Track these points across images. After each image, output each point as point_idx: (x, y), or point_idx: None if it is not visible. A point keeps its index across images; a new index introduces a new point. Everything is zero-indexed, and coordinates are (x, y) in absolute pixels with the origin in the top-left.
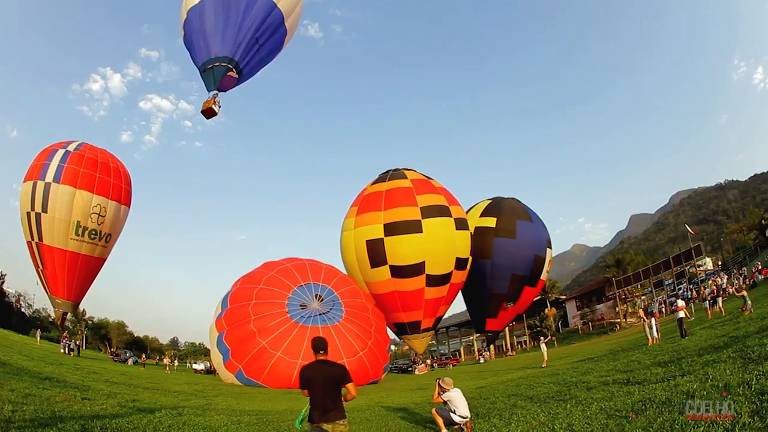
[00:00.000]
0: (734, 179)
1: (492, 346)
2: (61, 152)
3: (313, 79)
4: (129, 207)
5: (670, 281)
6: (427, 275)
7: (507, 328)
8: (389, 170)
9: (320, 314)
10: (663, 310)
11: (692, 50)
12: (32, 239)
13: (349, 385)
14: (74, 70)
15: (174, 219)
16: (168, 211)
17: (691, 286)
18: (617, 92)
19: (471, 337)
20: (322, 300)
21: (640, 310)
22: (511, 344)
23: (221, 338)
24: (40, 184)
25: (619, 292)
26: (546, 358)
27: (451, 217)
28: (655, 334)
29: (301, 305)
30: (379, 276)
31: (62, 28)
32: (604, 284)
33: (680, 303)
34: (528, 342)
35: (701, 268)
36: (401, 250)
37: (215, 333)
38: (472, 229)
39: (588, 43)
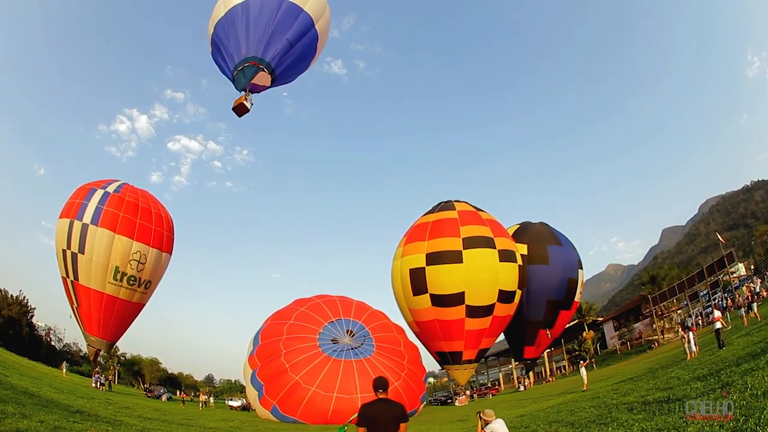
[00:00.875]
0: (760, 179)
1: (531, 373)
2: (99, 193)
3: (340, 115)
4: (171, 254)
5: (705, 292)
6: (467, 306)
7: (545, 354)
8: (441, 202)
9: (352, 348)
10: (700, 322)
11: (704, 54)
12: (67, 276)
13: (404, 425)
14: (100, 111)
15: (207, 256)
16: (201, 248)
17: (725, 295)
18: (635, 107)
19: (510, 365)
20: (353, 335)
21: (678, 326)
22: (551, 370)
23: (254, 374)
24: (77, 224)
25: (655, 309)
26: (586, 382)
27: (495, 248)
28: (693, 347)
29: (332, 340)
30: (421, 304)
31: (86, 66)
32: (640, 302)
33: (716, 314)
34: (567, 367)
35: (734, 275)
36: (441, 279)
37: (249, 370)
38: None
39: (603, 61)
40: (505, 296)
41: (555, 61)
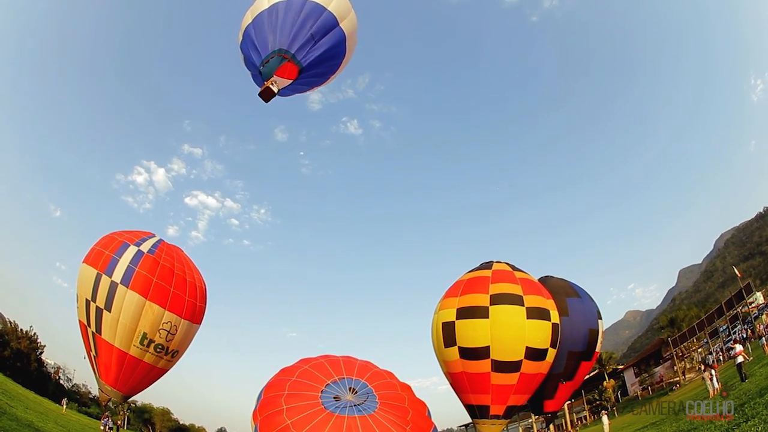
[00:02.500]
0: None
1: (552, 426)
2: (132, 250)
3: (357, 174)
4: (200, 325)
5: (724, 327)
6: (492, 360)
7: (566, 406)
8: (483, 263)
9: (355, 405)
10: (721, 358)
11: (707, 84)
12: (88, 326)
13: None
14: (118, 160)
15: (224, 312)
16: (217, 304)
17: (745, 326)
18: (640, 151)
19: (530, 419)
20: (356, 393)
21: (698, 364)
22: (571, 421)
23: (256, 429)
24: (106, 280)
25: (675, 351)
26: (607, 431)
27: (522, 306)
28: (715, 384)
29: (334, 397)
30: (451, 356)
31: (107, 114)
32: (659, 346)
33: (738, 348)
34: (588, 417)
35: (753, 305)
36: (468, 333)
37: (252, 424)
38: None
39: (609, 105)
40: (533, 354)
41: (559, 111)
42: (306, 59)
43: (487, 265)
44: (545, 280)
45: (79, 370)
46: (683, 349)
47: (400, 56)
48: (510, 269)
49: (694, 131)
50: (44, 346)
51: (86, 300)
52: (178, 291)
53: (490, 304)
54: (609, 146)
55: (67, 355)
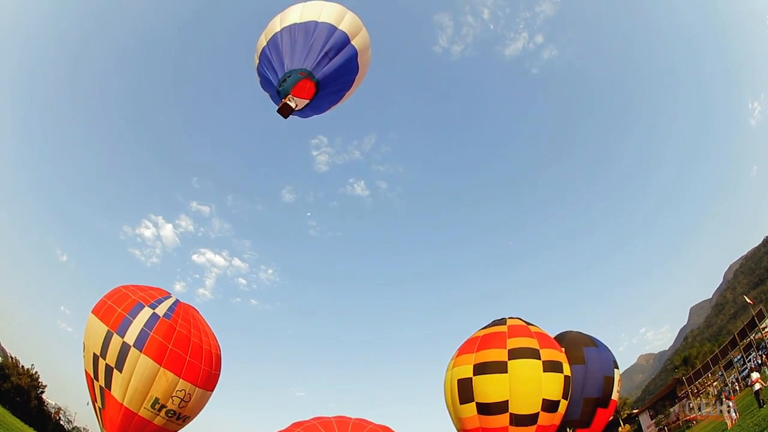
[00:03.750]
0: None
1: None
2: (147, 313)
3: (364, 236)
4: (213, 391)
5: (738, 357)
6: (511, 414)
7: None
8: (495, 319)
9: None
10: (738, 387)
11: (706, 116)
12: (96, 379)
13: None
14: (125, 212)
15: (229, 369)
16: (224, 360)
17: (760, 353)
18: (645, 192)
19: None
20: None
21: (714, 398)
22: None
23: None
24: (117, 339)
25: (690, 388)
26: None
27: (539, 359)
28: (733, 415)
29: None
30: (467, 412)
31: (117, 165)
32: (674, 386)
33: (754, 375)
34: None
35: (766, 330)
36: (486, 389)
37: None
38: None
39: (611, 151)
40: (549, 406)
41: (563, 162)
42: (321, 74)
43: (500, 322)
44: (564, 335)
45: (80, 414)
46: (698, 385)
47: (405, 116)
48: (524, 324)
49: (695, 166)
50: (45, 385)
51: (94, 354)
52: (194, 360)
53: (509, 359)
54: (612, 193)
55: (68, 398)
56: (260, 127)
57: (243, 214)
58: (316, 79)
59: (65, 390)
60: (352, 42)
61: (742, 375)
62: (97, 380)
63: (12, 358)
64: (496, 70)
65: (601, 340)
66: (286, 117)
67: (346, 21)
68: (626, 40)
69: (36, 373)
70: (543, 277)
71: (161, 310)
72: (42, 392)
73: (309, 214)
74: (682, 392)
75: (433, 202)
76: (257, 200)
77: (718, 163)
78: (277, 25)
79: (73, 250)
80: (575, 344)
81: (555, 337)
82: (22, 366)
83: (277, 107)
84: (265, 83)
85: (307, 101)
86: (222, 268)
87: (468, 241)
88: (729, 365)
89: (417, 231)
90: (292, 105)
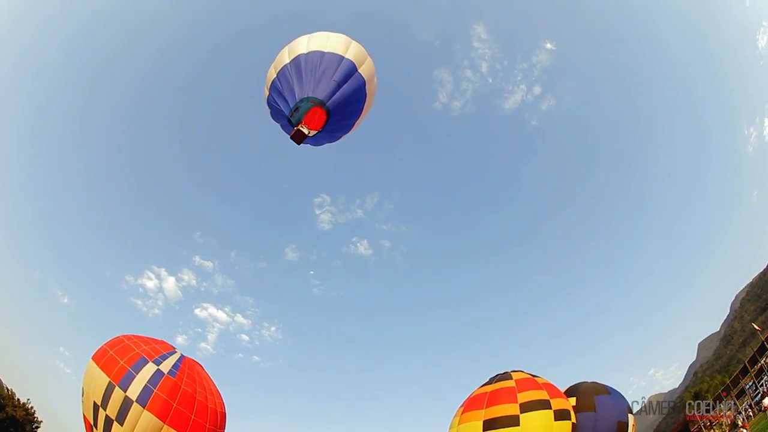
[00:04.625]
0: None
1: None
2: (151, 369)
3: (368, 295)
4: None
5: (750, 383)
6: None
7: None
8: (498, 374)
9: None
10: (752, 413)
11: (703, 149)
12: (95, 427)
13: None
14: (128, 261)
15: (231, 424)
16: (227, 415)
17: None
18: (647, 234)
19: None
20: None
21: (728, 428)
22: None
23: None
24: (119, 392)
25: (703, 421)
26: None
27: (550, 409)
28: None
29: None
30: None
31: (122, 214)
32: (686, 423)
33: (767, 401)
34: None
35: None
36: None
37: None
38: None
39: (611, 196)
40: None
41: (565, 212)
42: (332, 103)
43: (504, 376)
44: (577, 387)
45: None
46: (710, 418)
47: (407, 174)
48: (530, 376)
49: (695, 201)
50: (41, 421)
51: (95, 403)
52: (199, 419)
53: (521, 413)
54: (613, 238)
55: None
56: (264, 185)
57: (246, 270)
58: (327, 107)
59: (61, 429)
60: (359, 71)
61: (755, 400)
62: (96, 428)
63: (8, 389)
64: (496, 124)
65: (612, 386)
66: (299, 143)
67: (352, 50)
68: (620, 81)
69: (32, 408)
70: (548, 328)
71: (166, 366)
72: (37, 427)
73: (312, 272)
74: (695, 428)
75: (436, 260)
76: (260, 258)
77: (718, 195)
78: (285, 56)
79: (75, 293)
80: (587, 394)
81: (567, 390)
82: (18, 399)
83: (289, 134)
84: (276, 114)
85: (318, 130)
86: (224, 324)
87: (471, 297)
88: (741, 393)
89: (420, 289)
90: (305, 131)
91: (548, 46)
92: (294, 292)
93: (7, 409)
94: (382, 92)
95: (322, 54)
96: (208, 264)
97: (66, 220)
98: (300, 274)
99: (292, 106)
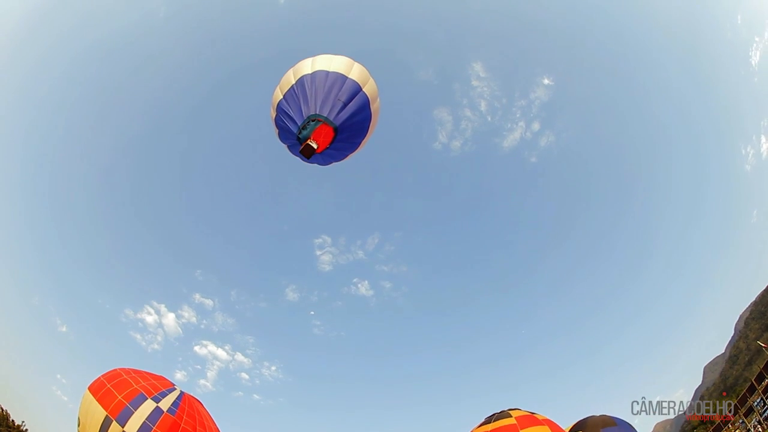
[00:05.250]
0: None
1: None
2: (150, 406)
3: (369, 335)
4: None
5: (758, 400)
6: None
7: None
8: (494, 413)
9: None
10: (761, 429)
11: (702, 172)
12: None
13: None
14: (128, 295)
15: None
16: None
17: None
18: (649, 262)
19: None
20: None
21: None
22: None
23: None
24: (116, 427)
25: None
26: None
27: None
28: None
29: None
30: None
31: (123, 248)
32: None
33: None
34: None
35: None
36: None
37: None
38: None
39: (612, 227)
40: None
41: (565, 247)
42: (338, 119)
43: (503, 415)
44: (585, 421)
45: None
46: None
47: (408, 215)
48: (529, 413)
49: (695, 226)
50: None
51: None
52: None
53: None
54: (615, 271)
55: None
56: (264, 225)
57: (247, 310)
58: (334, 124)
59: None
60: (363, 90)
61: (763, 416)
62: None
63: (3, 410)
64: (495, 163)
65: (615, 416)
66: (308, 158)
67: (355, 71)
68: (617, 111)
69: (26, 430)
70: (552, 363)
71: (165, 404)
72: None
73: (312, 312)
74: None
75: (437, 300)
76: (261, 297)
77: (718, 218)
78: (291, 77)
79: (73, 322)
80: (594, 427)
81: (575, 425)
82: (12, 420)
83: (297, 151)
84: (284, 134)
85: (326, 147)
86: (224, 362)
87: (473, 336)
88: (750, 411)
89: (422, 329)
90: (314, 146)
91: (545, 81)
92: (294, 331)
93: (1, 428)
94: (382, 132)
95: (326, 73)
96: (209, 302)
97: (66, 250)
98: (300, 314)
99: (300, 124)
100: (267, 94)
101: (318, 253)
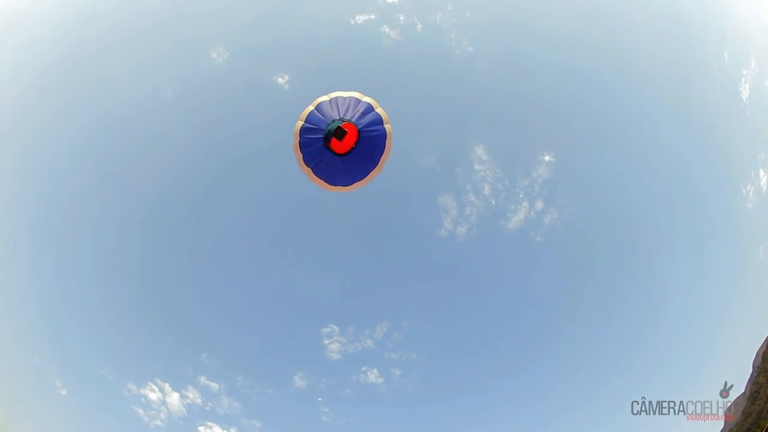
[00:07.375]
0: None
1: None
2: None
3: (378, 423)
4: None
5: None
6: None
7: None
8: None
9: None
10: None
11: (704, 220)
12: None
13: None
14: (132, 369)
15: None
16: None
17: None
18: (661, 318)
19: None
20: None
21: None
22: None
23: None
24: None
25: None
26: None
27: None
28: None
29: None
30: None
31: (125, 322)
32: None
33: None
34: None
35: None
36: None
37: None
38: None
39: (620, 293)
40: None
41: (576, 320)
42: (360, 124)
43: None
44: None
45: None
46: None
47: (416, 303)
48: None
49: (704, 276)
50: None
51: None
52: None
53: None
54: (627, 337)
55: None
56: (273, 313)
57: (253, 395)
58: (357, 126)
59: None
60: (375, 110)
61: None
62: None
63: None
64: (501, 246)
65: None
66: (340, 139)
67: (368, 98)
68: (616, 175)
69: None
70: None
71: None
72: None
73: (320, 399)
74: None
75: (448, 387)
76: (268, 384)
77: (725, 262)
78: (309, 107)
79: (74, 388)
80: None
81: None
82: None
83: (327, 142)
84: (308, 154)
85: (352, 147)
86: None
87: (486, 420)
88: None
89: (433, 417)
90: (345, 131)
91: (546, 158)
92: (302, 417)
93: None
94: (388, 221)
95: (342, 97)
96: (214, 385)
97: (71, 317)
98: (308, 401)
99: (325, 128)
100: (277, 177)
101: (326, 342)
